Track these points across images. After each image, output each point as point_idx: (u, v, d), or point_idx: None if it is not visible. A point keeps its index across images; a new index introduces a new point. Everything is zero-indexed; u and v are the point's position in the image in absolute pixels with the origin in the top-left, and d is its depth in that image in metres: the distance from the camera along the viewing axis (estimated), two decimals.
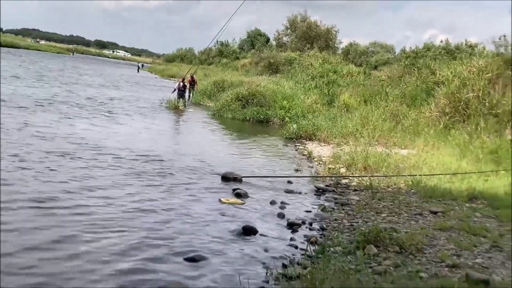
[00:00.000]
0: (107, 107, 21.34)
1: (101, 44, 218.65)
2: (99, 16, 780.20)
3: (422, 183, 10.63)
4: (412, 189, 10.53)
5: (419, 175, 11.18)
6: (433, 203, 9.30)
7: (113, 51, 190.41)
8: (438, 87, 19.68)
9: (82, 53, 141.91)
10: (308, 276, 5.47)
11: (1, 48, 76.37)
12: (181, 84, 26.76)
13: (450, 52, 36.37)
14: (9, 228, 6.30)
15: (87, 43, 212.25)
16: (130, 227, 6.99)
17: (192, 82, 30.26)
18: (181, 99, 26.29)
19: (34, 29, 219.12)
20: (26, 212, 7.01)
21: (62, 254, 5.83)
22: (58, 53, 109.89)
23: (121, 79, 47.75)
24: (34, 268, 5.42)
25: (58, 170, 9.42)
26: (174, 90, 27.12)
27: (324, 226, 8.06)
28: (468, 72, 18.37)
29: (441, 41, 40.97)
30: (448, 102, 17.64)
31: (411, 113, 19.24)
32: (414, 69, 26.65)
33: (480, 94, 16.74)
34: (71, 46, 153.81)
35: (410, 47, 43.01)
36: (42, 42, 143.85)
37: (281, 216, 8.53)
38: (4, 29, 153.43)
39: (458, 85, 17.95)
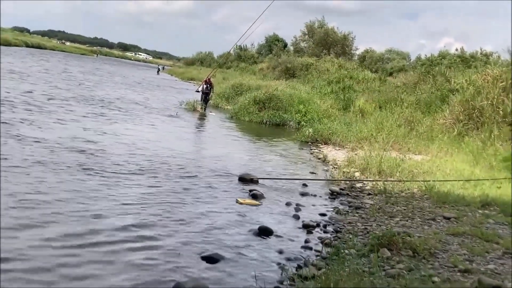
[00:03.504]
0: (126, 108, 21.53)
1: (124, 47, 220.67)
2: (122, 19, 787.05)
3: (436, 188, 10.67)
4: (425, 195, 10.57)
5: (433, 180, 11.23)
6: (446, 209, 9.35)
7: (135, 54, 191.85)
8: (453, 94, 19.70)
9: (106, 55, 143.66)
10: (323, 277, 5.54)
11: (29, 49, 78.36)
12: (204, 86, 26.90)
13: (465, 61, 36.42)
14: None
15: (110, 45, 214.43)
16: (147, 226, 7.12)
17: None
18: (203, 102, 26.49)
19: (59, 31, 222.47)
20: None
21: (82, 249, 5.99)
22: (82, 54, 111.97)
23: (142, 81, 48.17)
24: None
25: (76, 172, 9.57)
26: (197, 91, 27.37)
27: (338, 228, 8.14)
28: (483, 80, 18.38)
29: (456, 50, 41.11)
30: (462, 109, 17.66)
31: (425, 119, 19.28)
32: (429, 77, 26.70)
33: (494, 102, 16.75)
34: (95, 48, 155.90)
35: (426, 55, 43.09)
36: (67, 43, 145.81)
37: (296, 217, 8.64)
38: (31, 30, 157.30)
39: (472, 93, 17.97)
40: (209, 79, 27.56)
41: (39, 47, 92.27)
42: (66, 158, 10.27)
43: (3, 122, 12.57)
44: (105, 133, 14.17)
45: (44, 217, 6.70)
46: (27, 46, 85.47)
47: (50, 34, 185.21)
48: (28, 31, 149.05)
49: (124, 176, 9.68)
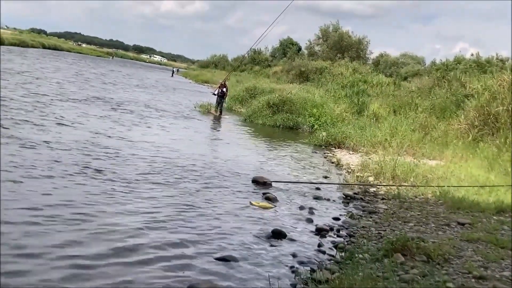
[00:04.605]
0: (141, 111, 21.63)
1: (139, 49, 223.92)
2: (138, 21, 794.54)
3: (450, 194, 10.62)
4: (439, 200, 10.52)
5: (447, 186, 11.18)
6: (461, 215, 9.30)
7: (150, 56, 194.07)
8: (468, 99, 19.57)
9: (121, 57, 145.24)
10: (336, 281, 5.54)
11: (46, 50, 79.55)
12: (219, 90, 26.99)
13: (481, 66, 36.16)
14: None
15: (126, 48, 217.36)
16: (161, 227, 7.14)
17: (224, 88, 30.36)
18: (218, 105, 26.56)
19: (76, 33, 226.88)
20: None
21: (100, 251, 6.03)
22: (98, 56, 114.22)
23: (157, 83, 48.52)
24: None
25: (87, 175, 9.61)
26: (214, 94, 27.55)
27: (352, 233, 8.14)
28: (498, 85, 18.26)
29: (472, 55, 40.87)
30: (477, 115, 17.54)
31: (440, 124, 19.17)
32: (444, 81, 26.56)
33: (509, 108, 16.63)
34: (111, 50, 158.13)
35: (441, 60, 42.85)
36: (84, 45, 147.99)
37: (309, 221, 8.65)
38: (48, 32, 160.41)
39: (488, 99, 17.84)
40: (224, 82, 27.64)
41: (55, 48, 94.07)
42: (77, 161, 10.26)
43: (6, 126, 12.47)
44: (118, 136, 14.22)
45: (55, 224, 6.64)
46: (44, 47, 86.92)
47: (66, 35, 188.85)
48: (45, 32, 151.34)
49: (138, 178, 9.71)
